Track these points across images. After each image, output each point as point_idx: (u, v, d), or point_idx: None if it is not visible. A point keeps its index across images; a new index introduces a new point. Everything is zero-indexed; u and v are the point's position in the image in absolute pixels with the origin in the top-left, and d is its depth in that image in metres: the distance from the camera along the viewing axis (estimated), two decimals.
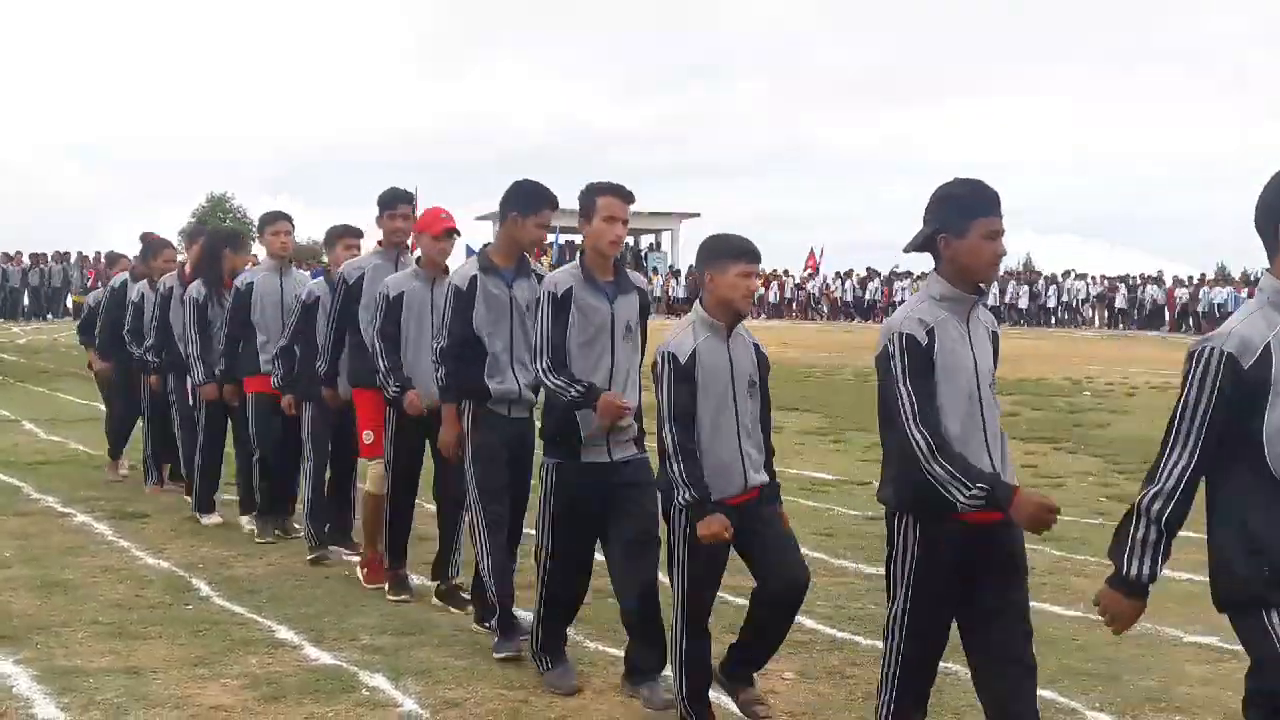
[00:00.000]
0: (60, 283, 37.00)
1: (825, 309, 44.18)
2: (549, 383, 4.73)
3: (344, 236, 7.34)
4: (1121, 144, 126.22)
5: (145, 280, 9.12)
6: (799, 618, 5.80)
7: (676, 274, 43.49)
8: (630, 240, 42.23)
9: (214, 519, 8.07)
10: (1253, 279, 41.15)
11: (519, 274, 5.35)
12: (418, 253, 6.36)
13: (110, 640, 5.43)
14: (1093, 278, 42.58)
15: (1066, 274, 42.90)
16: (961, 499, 3.39)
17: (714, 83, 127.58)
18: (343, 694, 4.78)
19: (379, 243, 6.65)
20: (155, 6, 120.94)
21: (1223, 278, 43.76)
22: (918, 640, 3.67)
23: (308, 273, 8.96)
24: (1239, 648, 5.54)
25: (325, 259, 7.93)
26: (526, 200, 5.24)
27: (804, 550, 7.02)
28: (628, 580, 4.74)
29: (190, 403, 8.44)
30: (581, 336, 4.75)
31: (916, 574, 3.60)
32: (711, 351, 4.26)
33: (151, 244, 9.47)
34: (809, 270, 44.72)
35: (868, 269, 43.93)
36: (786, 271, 45.48)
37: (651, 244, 49.51)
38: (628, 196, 4.78)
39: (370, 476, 6.37)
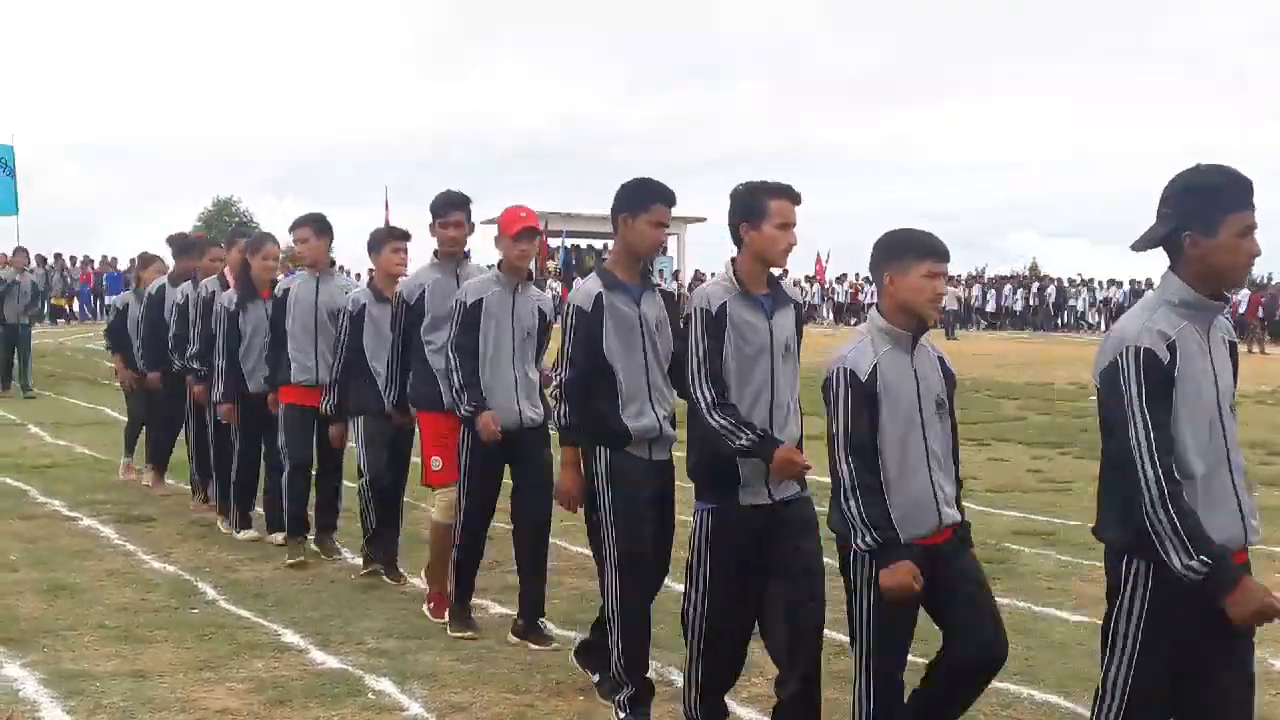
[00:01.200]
0: (43, 286, 37.06)
1: (828, 312, 44.15)
2: (712, 422, 4.02)
3: (390, 239, 6.72)
4: (1123, 143, 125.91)
5: (188, 282, 8.57)
6: None
7: (675, 275, 43.49)
8: None
9: (250, 534, 7.71)
10: (1263, 281, 41.13)
11: (645, 287, 4.68)
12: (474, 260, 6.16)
13: (116, 644, 5.44)
14: (1099, 283, 42.54)
15: (1074, 281, 42.85)
16: (1178, 565, 2.96)
17: (714, 82, 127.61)
18: (349, 698, 4.78)
19: (435, 254, 6.09)
20: (153, 6, 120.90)
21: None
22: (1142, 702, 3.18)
23: (349, 278, 8.42)
24: None
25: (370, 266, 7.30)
26: (633, 197, 4.54)
27: None
28: (793, 656, 4.06)
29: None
30: (738, 360, 4.10)
31: (1145, 629, 3.13)
32: (895, 367, 3.71)
33: (196, 243, 9.06)
34: (816, 275, 44.65)
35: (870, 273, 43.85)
36: (785, 273, 45.44)
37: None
38: (798, 198, 4.15)
39: (440, 505, 5.77)
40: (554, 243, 37.19)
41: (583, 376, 4.50)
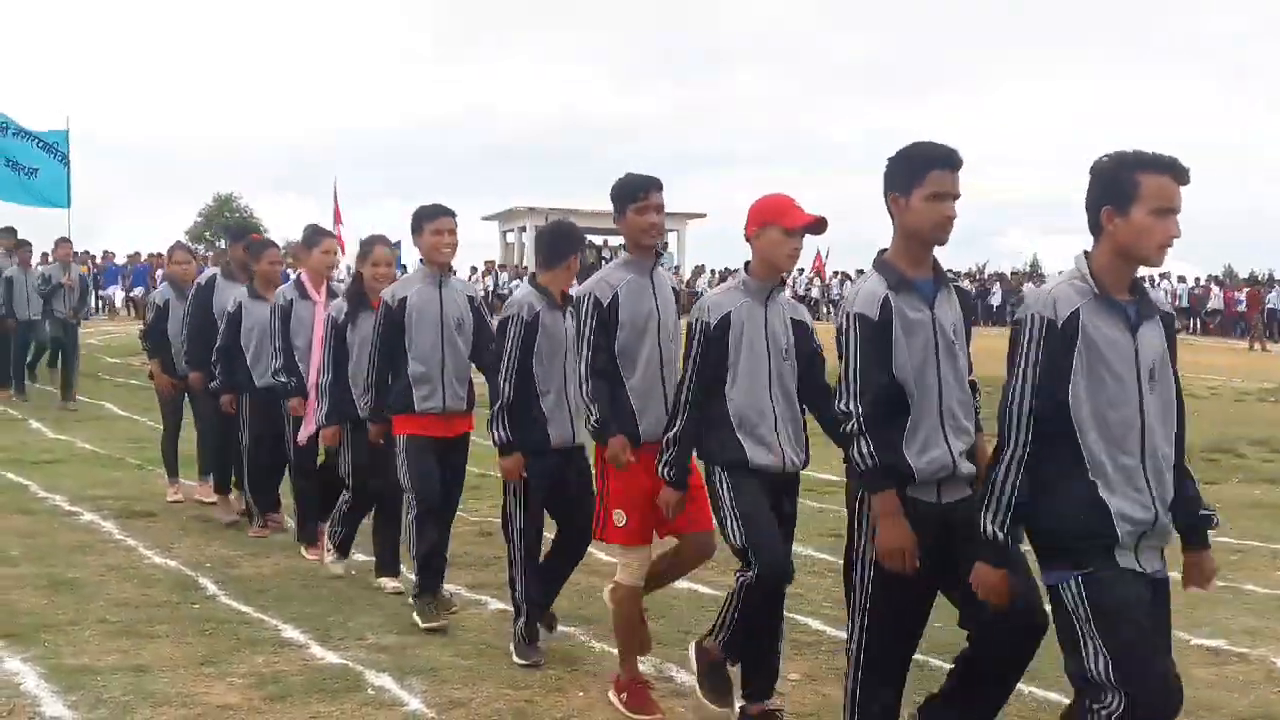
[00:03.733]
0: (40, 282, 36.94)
1: (828, 310, 44.12)
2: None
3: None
4: (1124, 140, 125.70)
5: (244, 289, 7.77)
6: (804, 619, 5.82)
7: (675, 271, 43.45)
8: None
9: (339, 568, 6.69)
10: (1264, 279, 41.12)
11: (939, 284, 3.72)
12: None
13: (117, 639, 5.44)
14: None
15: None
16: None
17: (715, 75, 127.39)
18: (348, 693, 4.79)
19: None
20: (152, 2, 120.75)
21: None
22: None
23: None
24: (1246, 650, 5.58)
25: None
26: (905, 169, 3.60)
27: (810, 551, 7.08)
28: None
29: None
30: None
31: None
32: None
33: (254, 245, 8.13)
34: (815, 273, 44.61)
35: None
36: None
37: (660, 244, 49.54)
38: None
39: (629, 567, 4.74)
40: None
41: (881, 404, 3.54)
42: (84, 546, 7.28)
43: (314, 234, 7.48)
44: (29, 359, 15.70)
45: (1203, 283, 40.23)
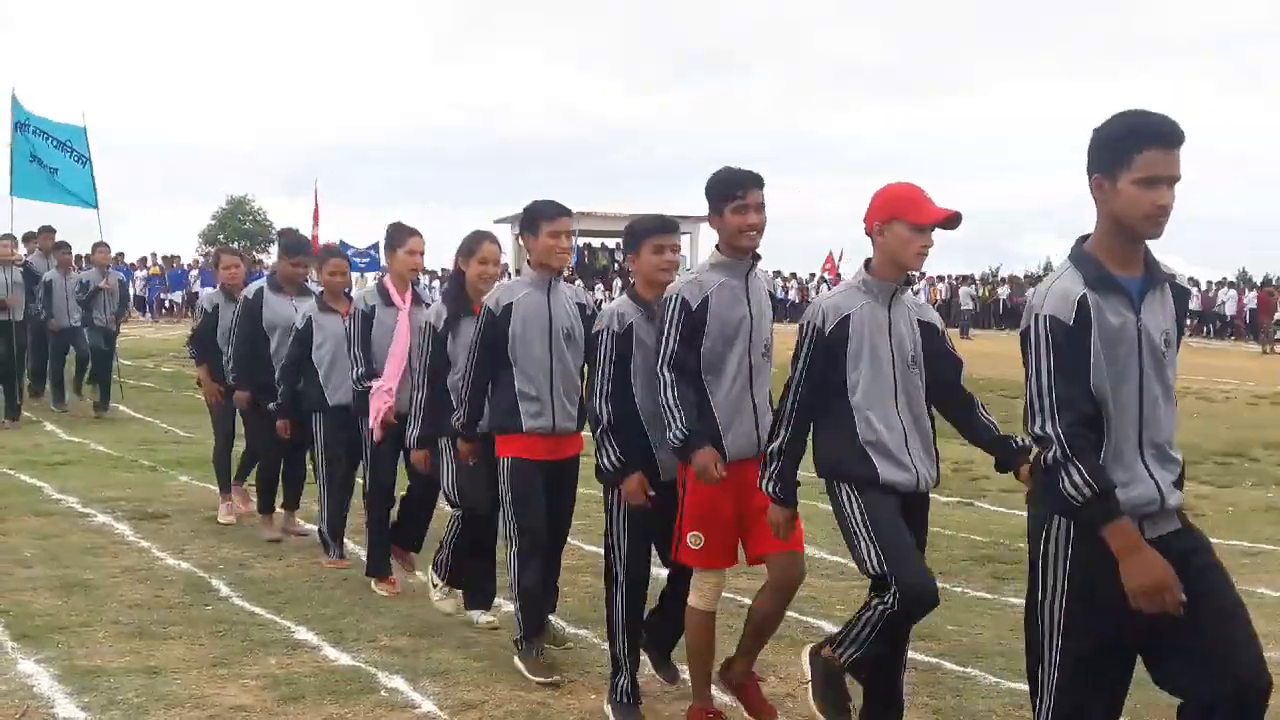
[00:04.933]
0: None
1: None
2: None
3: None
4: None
5: (313, 300, 7.20)
6: (817, 621, 5.81)
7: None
8: None
9: (449, 605, 5.84)
10: (1274, 281, 40.96)
11: (1151, 282, 3.12)
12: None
13: (130, 640, 5.46)
14: None
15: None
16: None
17: (727, 76, 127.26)
18: (361, 695, 4.79)
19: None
20: (157, 5, 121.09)
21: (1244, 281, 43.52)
22: None
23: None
24: None
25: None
26: (1118, 147, 2.99)
27: (819, 553, 7.07)
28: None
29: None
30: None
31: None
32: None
33: (326, 250, 7.69)
34: (827, 273, 44.54)
35: None
36: (794, 275, 45.33)
37: (601, 245, 49.46)
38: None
39: (704, 592, 4.48)
40: (569, 242, 37.14)
41: (1079, 423, 2.99)
42: (97, 548, 7.30)
43: (397, 232, 6.48)
44: (72, 372, 14.86)
45: (1216, 285, 40.08)
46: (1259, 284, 40.66)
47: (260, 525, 7.87)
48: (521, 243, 5.43)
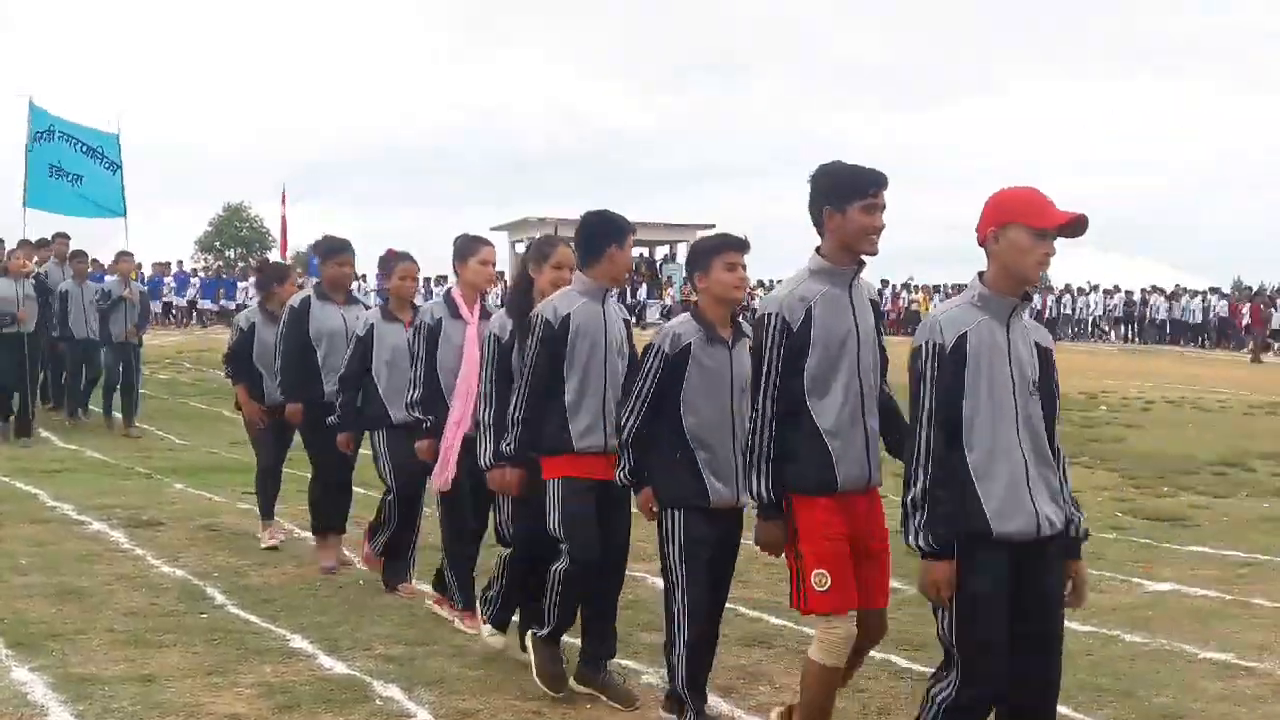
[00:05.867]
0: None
1: None
2: None
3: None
4: (1129, 150, 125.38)
5: (375, 310, 6.82)
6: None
7: (684, 281, 43.39)
8: (645, 251, 42.26)
9: (499, 642, 5.38)
10: (1272, 292, 40.99)
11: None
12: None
13: (125, 648, 5.45)
14: (1107, 290, 42.43)
15: (1081, 290, 42.80)
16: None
17: (728, 81, 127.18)
18: (356, 704, 4.78)
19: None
20: (158, 8, 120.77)
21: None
22: None
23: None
24: (1254, 664, 5.55)
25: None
26: None
27: None
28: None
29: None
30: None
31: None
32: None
33: (385, 259, 7.00)
34: None
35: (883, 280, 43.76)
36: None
37: (666, 255, 49.64)
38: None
39: (830, 642, 3.92)
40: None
41: None
42: (92, 555, 7.29)
43: (469, 242, 6.10)
44: (82, 385, 14.26)
45: (1207, 296, 40.09)
46: (1254, 292, 40.68)
47: (318, 552, 7.27)
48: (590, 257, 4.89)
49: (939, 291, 39.51)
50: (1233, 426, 15.41)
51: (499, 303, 5.70)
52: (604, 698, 4.84)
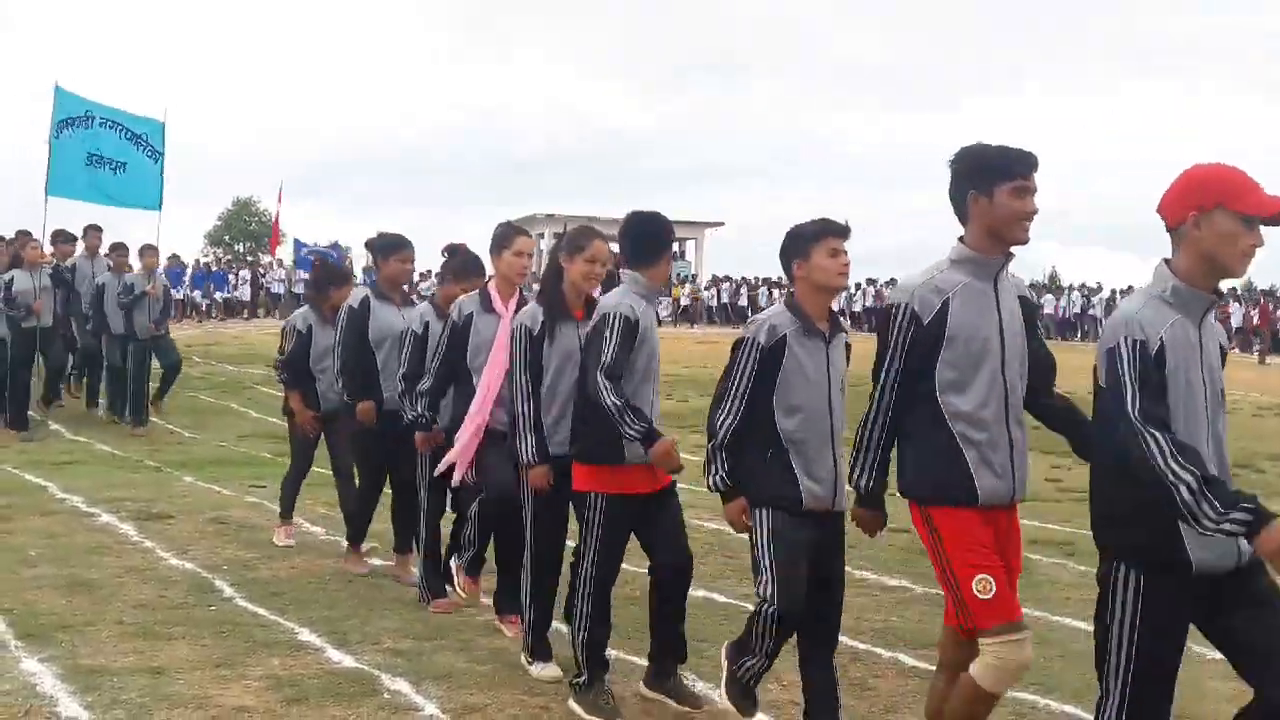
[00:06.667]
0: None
1: (847, 320, 44.03)
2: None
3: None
4: (1137, 149, 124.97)
5: (427, 305, 6.46)
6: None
7: (691, 280, 43.40)
8: None
9: (551, 670, 5.09)
10: (1277, 293, 40.87)
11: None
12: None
13: (134, 640, 5.46)
14: (1122, 290, 42.35)
15: (1094, 288, 42.72)
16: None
17: (728, 81, 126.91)
18: (364, 697, 4.79)
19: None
20: (158, 8, 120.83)
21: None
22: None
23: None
24: None
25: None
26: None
27: (859, 573, 7.01)
28: None
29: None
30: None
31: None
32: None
33: (459, 254, 6.57)
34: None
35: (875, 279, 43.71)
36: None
37: (676, 252, 49.77)
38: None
39: (1002, 666, 3.55)
40: None
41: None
42: (102, 548, 7.31)
43: (505, 231, 5.79)
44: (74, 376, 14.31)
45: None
46: (1262, 294, 40.56)
47: (347, 561, 7.03)
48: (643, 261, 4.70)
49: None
50: (1242, 428, 15.35)
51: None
52: (672, 702, 4.71)
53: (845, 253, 4.10)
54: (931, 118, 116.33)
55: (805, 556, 4.03)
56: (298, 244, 31.70)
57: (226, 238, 58.88)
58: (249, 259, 52.30)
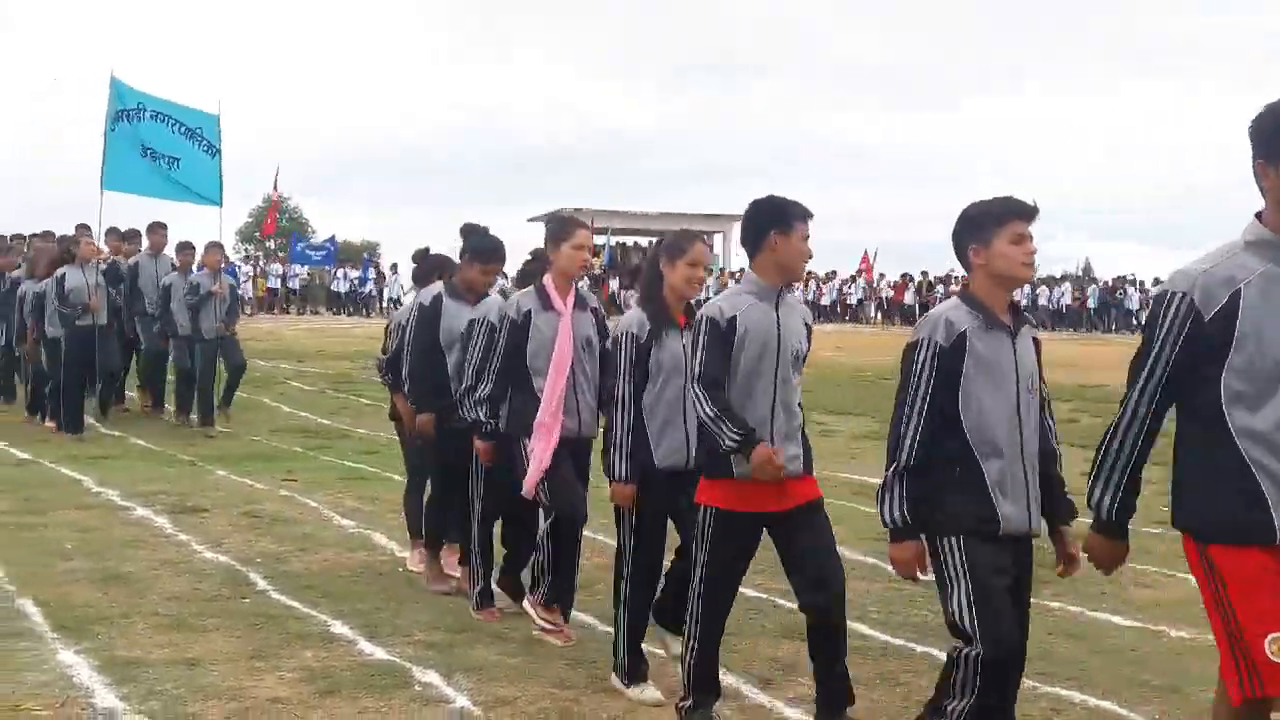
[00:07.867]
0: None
1: (875, 311, 43.79)
2: None
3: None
4: (1164, 139, 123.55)
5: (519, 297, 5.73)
6: (851, 623, 5.77)
7: (733, 275, 43.34)
8: None
9: (651, 693, 4.81)
10: None
11: None
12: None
13: (169, 632, 5.50)
14: (1146, 284, 42.03)
15: (1120, 280, 42.41)
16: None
17: (728, 81, 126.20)
18: (396, 689, 4.81)
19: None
20: (158, 8, 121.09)
21: None
22: None
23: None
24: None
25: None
26: None
27: (858, 556, 7.02)
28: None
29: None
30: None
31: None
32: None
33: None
34: (862, 272, 44.29)
35: (922, 273, 43.51)
36: (833, 273, 45.03)
37: (708, 242, 49.74)
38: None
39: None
40: (599, 240, 37.17)
41: None
42: (137, 541, 7.37)
43: (563, 224, 5.55)
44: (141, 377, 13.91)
45: None
46: None
47: (428, 576, 6.51)
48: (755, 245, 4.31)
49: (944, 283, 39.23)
50: None
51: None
52: None
53: (1031, 238, 3.60)
54: (931, 118, 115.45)
55: (1008, 588, 3.55)
56: (295, 238, 32.10)
57: (257, 234, 59.21)
58: (280, 254, 52.60)
